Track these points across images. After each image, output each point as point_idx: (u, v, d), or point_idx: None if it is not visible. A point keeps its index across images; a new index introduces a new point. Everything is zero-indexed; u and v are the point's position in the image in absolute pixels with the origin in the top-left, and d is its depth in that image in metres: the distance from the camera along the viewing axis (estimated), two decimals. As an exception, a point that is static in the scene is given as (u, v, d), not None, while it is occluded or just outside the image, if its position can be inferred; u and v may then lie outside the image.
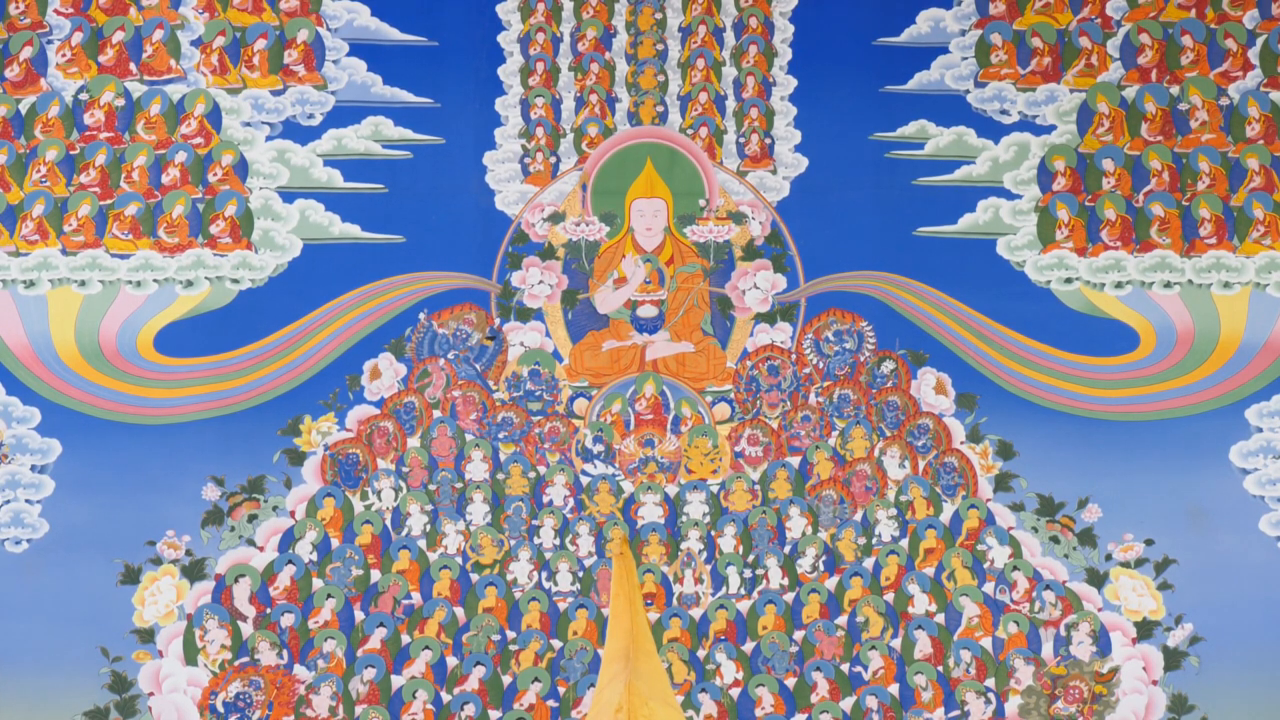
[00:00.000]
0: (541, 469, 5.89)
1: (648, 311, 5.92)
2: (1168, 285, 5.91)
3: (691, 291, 5.90)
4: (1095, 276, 5.93)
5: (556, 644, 5.78)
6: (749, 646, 5.72)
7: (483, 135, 6.16)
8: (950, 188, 5.99)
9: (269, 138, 6.10)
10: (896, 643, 5.80)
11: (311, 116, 6.10)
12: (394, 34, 6.08)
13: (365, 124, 6.10)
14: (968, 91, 6.09)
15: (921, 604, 5.75)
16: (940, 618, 5.72)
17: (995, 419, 5.88)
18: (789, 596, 5.77)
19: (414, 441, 5.89)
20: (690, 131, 6.10)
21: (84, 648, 5.87)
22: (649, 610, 5.57)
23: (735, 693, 5.67)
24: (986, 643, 5.72)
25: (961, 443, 5.87)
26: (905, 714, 5.75)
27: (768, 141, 6.11)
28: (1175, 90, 6.03)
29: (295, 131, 6.15)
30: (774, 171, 6.04)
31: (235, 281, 5.94)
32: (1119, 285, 5.90)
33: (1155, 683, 5.75)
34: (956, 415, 5.98)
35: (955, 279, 5.94)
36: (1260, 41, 6.05)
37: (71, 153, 6.01)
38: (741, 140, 6.11)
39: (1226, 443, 5.90)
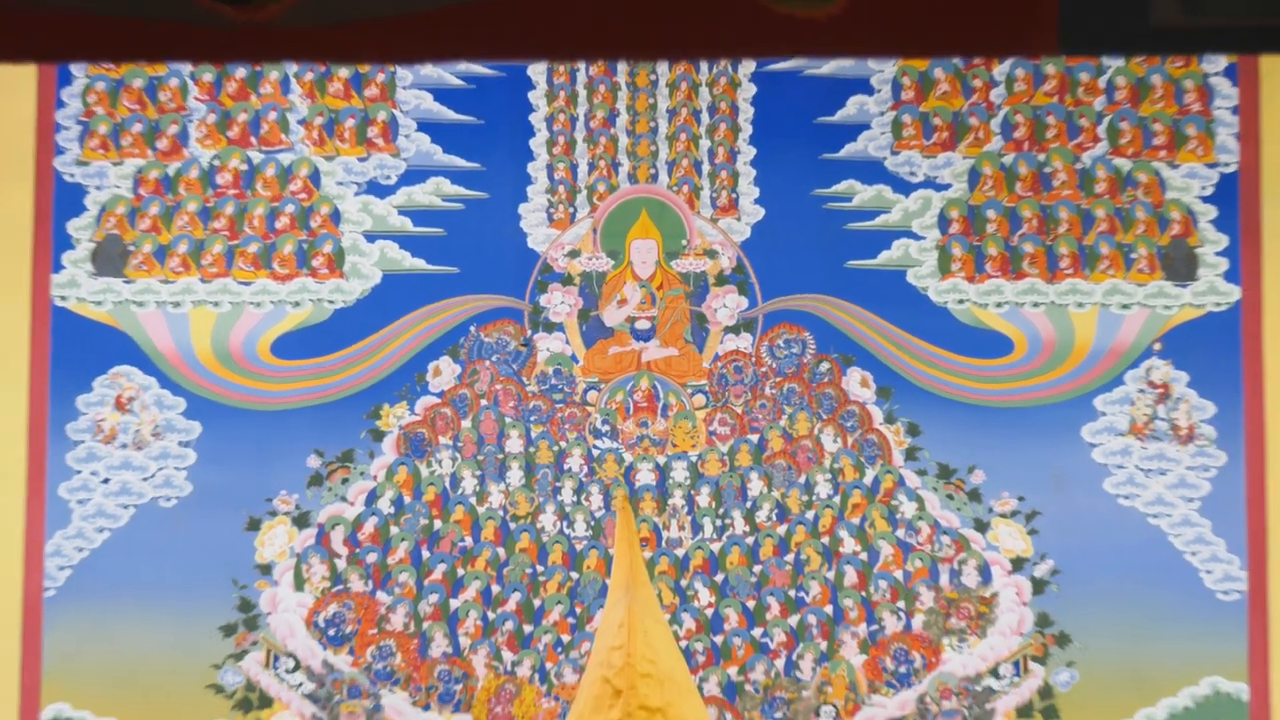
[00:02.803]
0: (563, 444, 6.15)
1: (643, 325, 6.23)
2: (1035, 305, 6.16)
3: (676, 309, 6.23)
4: (981, 299, 6.18)
5: (574, 576, 6.07)
6: (719, 577, 6.05)
7: (518, 192, 6.27)
8: (872, 231, 6.21)
9: (356, 193, 6.25)
10: (830, 575, 6.06)
11: (388, 178, 6.25)
12: (450, 115, 6.27)
13: (429, 183, 6.24)
14: (885, 158, 6.22)
15: (850, 546, 6.07)
16: (864, 556, 6.06)
17: (905, 406, 6.20)
18: (749, 540, 6.08)
19: (466, 423, 6.16)
20: (675, 189, 6.27)
21: (219, 579, 6.14)
22: (644, 550, 5.87)
23: (709, 612, 6.03)
24: (898, 574, 6.05)
25: (880, 424, 6.17)
26: (837, 628, 6.03)
27: (734, 196, 6.25)
28: (1042, 157, 6.19)
29: (376, 189, 6.26)
30: (738, 219, 6.24)
31: (331, 302, 6.21)
32: (999, 305, 6.17)
33: (1025, 604, 6.07)
34: (876, 403, 6.19)
35: (876, 300, 6.21)
36: (1106, 120, 6.16)
37: (207, 205, 6.21)
38: (714, 196, 6.24)
39: (1079, 424, 6.14)
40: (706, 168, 6.25)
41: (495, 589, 6.07)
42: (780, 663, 6.01)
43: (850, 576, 6.06)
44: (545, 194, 6.24)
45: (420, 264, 6.24)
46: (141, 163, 6.22)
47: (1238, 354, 6.04)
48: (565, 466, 6.15)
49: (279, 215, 6.23)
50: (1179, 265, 6.09)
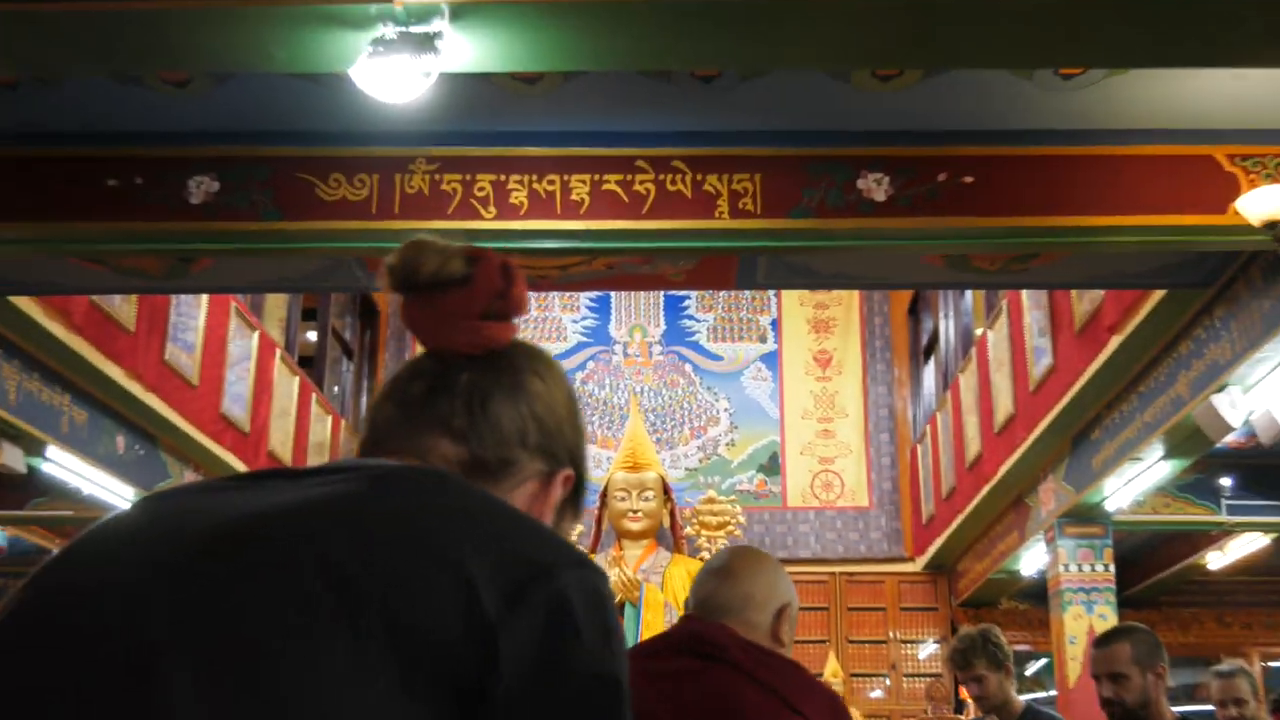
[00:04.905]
0: (619, 381, 22.07)
1: (640, 357, 22.37)
2: (730, 348, 22.49)
3: (648, 353, 22.72)
4: (718, 345, 22.49)
5: (622, 416, 21.77)
6: (660, 417, 22.17)
7: (607, 324, 22.59)
8: (692, 331, 22.46)
9: (570, 328, 22.52)
10: (686, 414, 22.13)
11: (579, 320, 22.29)
12: (589, 302, 22.38)
13: (586, 321, 22.52)
14: (697, 314, 22.54)
15: (689, 405, 22.13)
16: (691, 408, 22.30)
17: (699, 372, 22.92)
18: (668, 406, 22.26)
19: (595, 375, 22.22)
20: (643, 327, 22.60)
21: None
22: (641, 409, 21.39)
23: (657, 424, 22.13)
24: (699, 411, 22.14)
25: (694, 378, 22.48)
26: (685, 428, 22.81)
27: (659, 329, 22.40)
28: (730, 314, 22.67)
29: (571, 324, 22.40)
30: (656, 335, 22.58)
31: (560, 347, 22.21)
32: (721, 347, 22.46)
33: (730, 418, 22.13)
34: (695, 374, 22.82)
35: (693, 349, 22.35)
36: (746, 306, 23.22)
37: (527, 328, 23.45)
38: (653, 328, 22.74)
39: (740, 376, 22.28)
40: (649, 322, 23.54)
41: (597, 418, 22.52)
42: (675, 434, 23.15)
43: (688, 419, 22.61)
44: (616, 328, 23.43)
45: (585, 341, 23.28)
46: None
47: (776, 362, 23.09)
48: (619, 386, 21.91)
49: (550, 333, 23.07)
50: (762, 339, 23.53)
